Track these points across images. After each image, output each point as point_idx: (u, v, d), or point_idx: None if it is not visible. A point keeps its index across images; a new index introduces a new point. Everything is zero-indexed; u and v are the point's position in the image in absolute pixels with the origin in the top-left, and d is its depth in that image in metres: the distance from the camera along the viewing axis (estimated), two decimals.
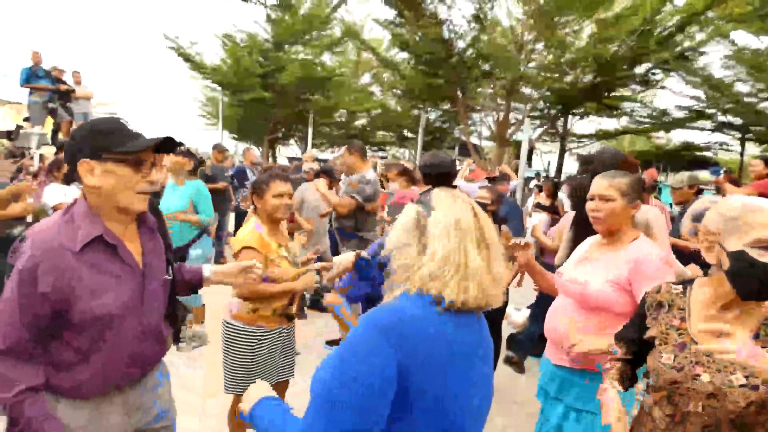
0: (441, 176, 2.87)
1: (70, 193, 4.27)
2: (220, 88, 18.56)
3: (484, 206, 3.61)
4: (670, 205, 7.20)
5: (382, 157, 17.33)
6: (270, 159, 20.19)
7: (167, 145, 1.34)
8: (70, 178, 4.36)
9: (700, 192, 4.50)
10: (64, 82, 9.00)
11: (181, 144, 1.39)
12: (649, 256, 1.72)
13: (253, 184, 2.42)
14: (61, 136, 8.85)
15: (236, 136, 24.01)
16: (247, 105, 18.12)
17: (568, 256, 2.14)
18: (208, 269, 1.71)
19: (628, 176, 1.83)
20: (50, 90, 8.64)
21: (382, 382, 0.90)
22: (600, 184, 1.83)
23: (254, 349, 2.31)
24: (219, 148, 7.29)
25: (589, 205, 1.84)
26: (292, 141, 25.57)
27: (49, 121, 9.08)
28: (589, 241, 2.02)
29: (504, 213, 3.83)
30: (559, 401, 1.88)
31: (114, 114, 9.74)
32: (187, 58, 17.24)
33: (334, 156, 8.25)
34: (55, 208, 4.22)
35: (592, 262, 1.88)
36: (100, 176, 1.27)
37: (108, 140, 1.26)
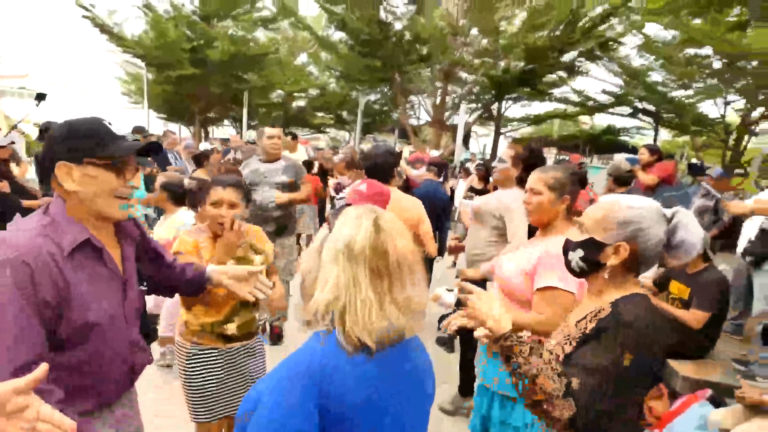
0: (374, 168, 2.82)
1: None
2: (143, 64, 17.26)
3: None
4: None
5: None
6: (202, 140, 19.20)
7: (151, 147, 1.29)
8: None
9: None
10: None
11: (160, 148, 1.34)
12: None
13: (200, 192, 2.12)
14: None
15: (164, 116, 22.52)
16: (175, 82, 17.01)
17: None
18: (209, 267, 1.60)
19: (560, 170, 1.85)
20: None
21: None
22: (531, 178, 1.88)
23: (199, 372, 1.99)
24: (141, 131, 6.78)
25: (523, 198, 1.92)
26: (226, 122, 24.46)
27: None
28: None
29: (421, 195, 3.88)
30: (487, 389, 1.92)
31: (24, 88, 8.77)
32: (105, 30, 15.84)
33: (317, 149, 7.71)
34: None
35: (517, 250, 1.94)
36: (80, 181, 1.20)
37: (89, 143, 1.20)
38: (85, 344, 1.21)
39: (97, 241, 1.25)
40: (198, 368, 2.00)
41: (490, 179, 6.32)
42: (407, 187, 3.84)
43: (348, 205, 1.93)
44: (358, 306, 0.88)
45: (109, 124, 1.25)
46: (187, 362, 2.00)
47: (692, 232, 1.22)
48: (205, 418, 2.01)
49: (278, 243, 3.79)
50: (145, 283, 1.51)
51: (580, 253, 1.27)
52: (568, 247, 1.32)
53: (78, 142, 1.19)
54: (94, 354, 1.24)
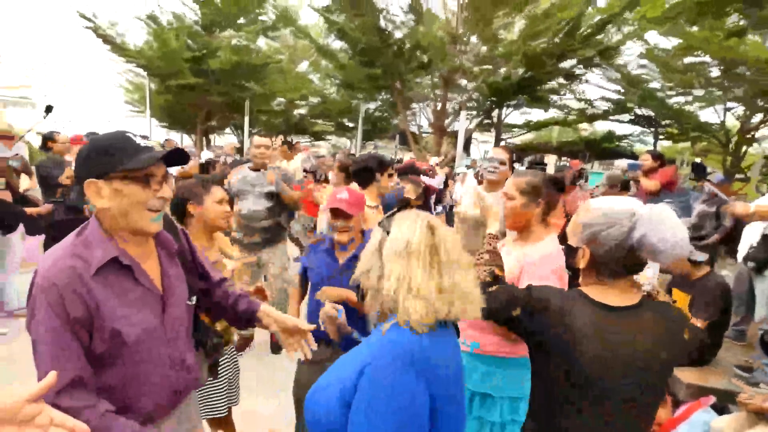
0: (359, 171, 3.04)
1: None
2: (145, 73, 17.34)
3: (409, 201, 3.71)
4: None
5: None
6: (204, 149, 19.26)
7: (177, 156, 1.27)
8: None
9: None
10: None
11: (188, 156, 1.31)
12: (544, 259, 1.73)
13: (187, 191, 2.21)
14: None
15: (166, 125, 22.59)
16: (176, 91, 17.08)
17: None
18: (261, 306, 1.57)
19: (534, 175, 1.85)
20: None
21: (421, 412, 0.97)
22: (507, 183, 1.91)
23: None
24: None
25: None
26: (228, 129, 24.53)
27: None
28: (510, 235, 2.08)
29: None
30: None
31: (26, 98, 8.79)
32: (107, 40, 15.94)
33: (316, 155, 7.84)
34: None
35: None
36: (109, 197, 1.20)
37: (112, 158, 1.19)
38: (117, 362, 1.20)
39: (126, 258, 1.23)
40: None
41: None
42: (426, 193, 3.90)
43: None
44: (414, 292, 1.02)
45: (134, 136, 1.23)
46: None
47: (658, 230, 1.12)
48: None
49: (269, 251, 3.79)
50: (195, 298, 1.47)
51: (564, 259, 1.32)
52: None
53: (101, 158, 1.19)
54: (127, 372, 1.22)
